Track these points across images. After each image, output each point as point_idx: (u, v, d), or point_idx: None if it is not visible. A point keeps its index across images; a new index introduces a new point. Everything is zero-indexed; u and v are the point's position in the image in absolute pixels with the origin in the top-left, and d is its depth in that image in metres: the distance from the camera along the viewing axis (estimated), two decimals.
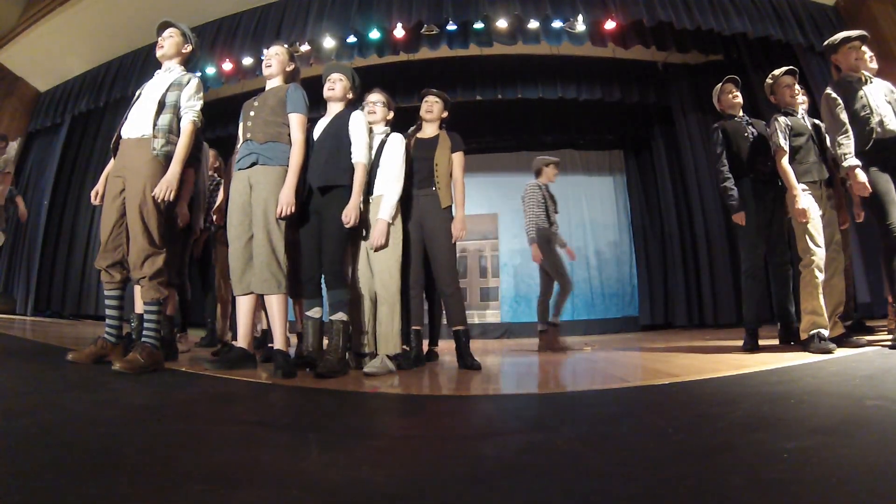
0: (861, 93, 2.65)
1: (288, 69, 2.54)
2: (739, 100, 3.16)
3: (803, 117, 2.89)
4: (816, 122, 2.93)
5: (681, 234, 6.64)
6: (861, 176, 2.50)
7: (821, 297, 2.61)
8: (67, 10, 5.51)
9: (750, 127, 3.08)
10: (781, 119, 2.84)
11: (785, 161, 2.77)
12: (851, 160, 2.54)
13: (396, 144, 2.66)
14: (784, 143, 2.78)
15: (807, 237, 2.66)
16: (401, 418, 1.54)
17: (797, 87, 2.92)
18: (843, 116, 2.63)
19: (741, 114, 3.16)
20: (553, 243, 4.11)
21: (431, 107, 2.90)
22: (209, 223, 3.54)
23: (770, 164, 3.00)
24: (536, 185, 4.24)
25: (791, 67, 2.96)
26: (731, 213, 2.98)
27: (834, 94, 2.69)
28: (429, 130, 2.92)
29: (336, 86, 2.55)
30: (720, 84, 3.23)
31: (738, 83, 3.20)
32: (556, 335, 3.99)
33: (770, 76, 3.00)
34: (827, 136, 2.80)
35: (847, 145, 2.57)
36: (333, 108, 2.58)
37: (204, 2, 5.49)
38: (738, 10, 4.84)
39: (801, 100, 2.99)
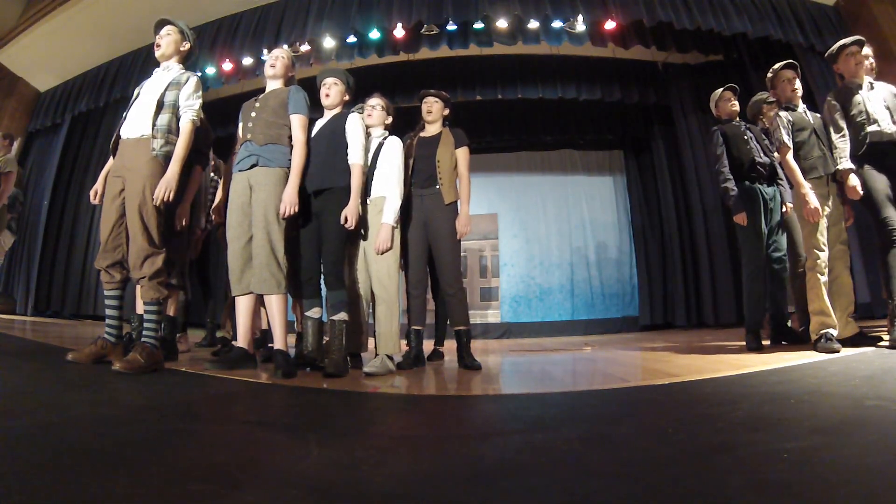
0: (858, 99, 2.69)
1: (289, 73, 2.56)
2: (737, 108, 3.21)
3: (805, 112, 2.89)
4: (819, 115, 2.93)
5: (681, 235, 6.64)
6: (853, 180, 2.58)
7: (826, 297, 2.61)
8: (67, 10, 5.50)
9: (748, 130, 3.10)
10: (783, 115, 2.84)
11: (790, 157, 2.76)
12: (846, 163, 2.63)
13: (394, 147, 2.67)
14: (788, 140, 2.78)
15: (815, 237, 2.65)
16: (401, 418, 1.54)
17: (797, 81, 2.92)
18: (842, 122, 2.71)
19: (738, 120, 3.20)
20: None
21: (431, 107, 2.90)
22: (207, 223, 3.53)
23: (767, 167, 3.00)
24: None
25: (791, 61, 2.97)
26: (733, 215, 2.98)
27: (834, 101, 2.77)
28: (431, 129, 2.92)
29: (331, 91, 2.56)
30: (719, 91, 3.26)
31: (737, 91, 3.25)
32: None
33: (770, 70, 3.01)
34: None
35: (843, 149, 2.67)
36: (330, 113, 2.59)
37: (204, 2, 5.48)
38: (738, 10, 4.84)
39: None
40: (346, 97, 2.61)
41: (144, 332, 2.14)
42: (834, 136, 2.71)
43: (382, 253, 2.52)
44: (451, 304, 2.76)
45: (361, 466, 0.96)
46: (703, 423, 1.27)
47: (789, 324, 3.09)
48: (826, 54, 2.95)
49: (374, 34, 5.23)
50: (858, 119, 2.66)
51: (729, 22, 4.79)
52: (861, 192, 2.57)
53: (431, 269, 2.92)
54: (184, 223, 2.68)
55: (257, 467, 0.94)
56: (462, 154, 2.82)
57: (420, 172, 2.80)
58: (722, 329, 5.50)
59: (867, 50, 2.81)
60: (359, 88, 2.75)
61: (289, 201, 2.25)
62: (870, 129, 2.62)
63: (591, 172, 7.65)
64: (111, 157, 2.30)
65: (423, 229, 2.77)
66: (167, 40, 2.35)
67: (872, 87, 2.72)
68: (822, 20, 4.94)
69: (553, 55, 6.14)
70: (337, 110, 2.58)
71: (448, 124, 2.96)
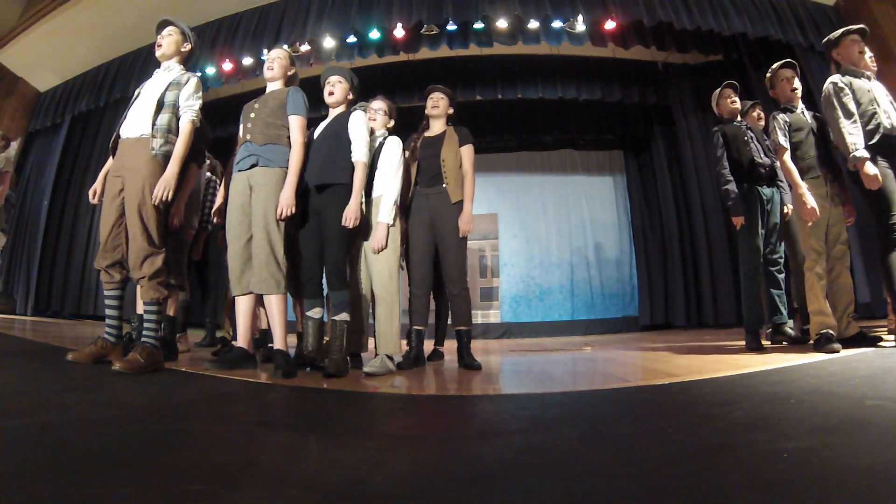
0: (867, 86, 2.60)
1: (289, 73, 2.56)
2: (738, 105, 3.20)
3: (803, 111, 2.87)
4: (817, 114, 2.91)
5: (681, 234, 6.64)
6: (871, 168, 2.44)
7: (824, 297, 2.60)
8: (67, 10, 5.50)
9: (749, 131, 3.10)
10: (780, 117, 2.82)
11: (787, 158, 2.74)
12: (862, 152, 2.46)
13: (394, 146, 2.67)
14: (784, 141, 2.76)
15: (812, 238, 2.63)
16: (401, 418, 1.54)
17: (796, 80, 2.90)
18: (852, 105, 2.55)
19: (739, 118, 3.19)
20: None
21: (437, 103, 2.89)
22: (208, 224, 3.52)
23: (767, 168, 3.00)
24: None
25: (789, 60, 2.95)
26: (731, 216, 2.98)
27: (841, 83, 2.61)
28: (435, 127, 2.91)
29: (336, 89, 2.56)
30: (719, 89, 3.25)
31: (737, 88, 3.23)
32: None
33: (769, 70, 3.00)
34: (830, 127, 2.72)
35: (857, 135, 2.49)
36: (334, 111, 2.59)
37: (204, 2, 5.48)
38: (738, 10, 4.84)
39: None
40: (351, 96, 2.61)
41: (144, 332, 2.14)
42: (844, 122, 2.53)
43: (378, 252, 2.52)
44: (455, 303, 2.76)
45: (361, 466, 0.96)
46: (703, 423, 1.27)
47: (790, 324, 3.09)
48: (825, 39, 2.83)
49: (374, 34, 5.23)
50: (870, 108, 2.53)
51: (729, 22, 4.80)
52: (880, 181, 2.43)
53: (436, 269, 2.91)
54: (176, 222, 2.66)
55: (257, 467, 0.94)
56: (467, 152, 2.81)
57: (425, 172, 2.80)
58: (722, 329, 5.50)
59: (868, 51, 2.79)
60: (360, 88, 2.75)
61: (286, 203, 2.25)
62: (883, 118, 2.50)
63: (591, 172, 7.64)
64: (111, 157, 2.30)
65: (428, 229, 2.76)
66: (168, 41, 2.35)
67: (872, 80, 2.69)
68: (822, 20, 4.94)
69: (553, 55, 6.14)
70: (341, 108, 2.58)
71: (452, 123, 2.95)
